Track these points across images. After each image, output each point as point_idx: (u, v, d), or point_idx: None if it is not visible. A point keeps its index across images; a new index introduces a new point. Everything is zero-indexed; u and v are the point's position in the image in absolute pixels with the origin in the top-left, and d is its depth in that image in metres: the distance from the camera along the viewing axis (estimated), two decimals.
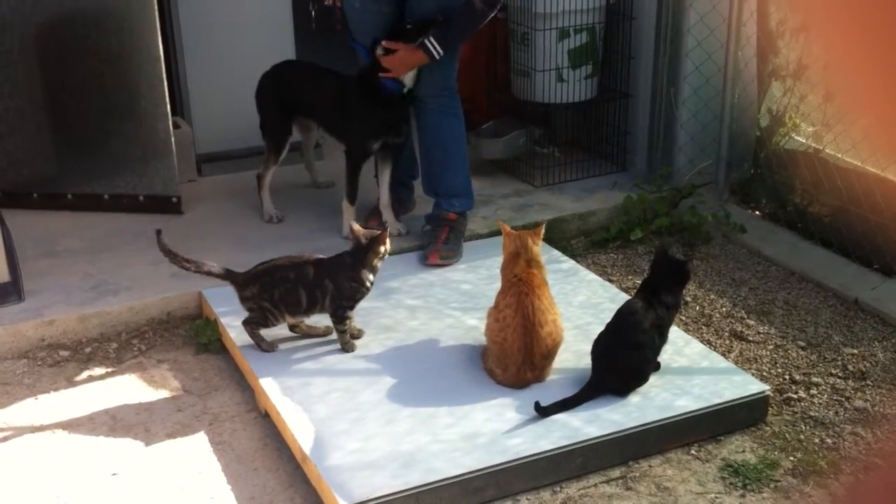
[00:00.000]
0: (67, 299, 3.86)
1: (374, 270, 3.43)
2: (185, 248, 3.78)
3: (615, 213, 4.67)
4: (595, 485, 2.97)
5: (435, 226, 4.28)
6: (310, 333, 3.55)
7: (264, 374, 3.33)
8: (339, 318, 3.44)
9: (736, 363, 3.50)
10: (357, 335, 3.54)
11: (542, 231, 3.42)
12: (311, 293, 3.40)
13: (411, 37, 3.98)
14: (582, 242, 4.56)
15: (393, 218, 4.33)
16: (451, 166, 4.32)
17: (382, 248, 3.41)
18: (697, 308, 3.95)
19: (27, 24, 4.44)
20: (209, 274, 3.49)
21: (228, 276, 3.48)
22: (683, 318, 3.84)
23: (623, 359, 3.18)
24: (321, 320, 3.52)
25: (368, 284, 3.43)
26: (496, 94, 5.34)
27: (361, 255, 3.40)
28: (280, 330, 3.51)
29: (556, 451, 2.94)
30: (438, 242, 4.18)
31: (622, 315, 3.23)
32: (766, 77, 4.64)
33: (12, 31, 4.44)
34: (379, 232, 3.43)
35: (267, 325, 3.47)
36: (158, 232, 3.53)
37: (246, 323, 3.47)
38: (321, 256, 3.51)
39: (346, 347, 3.47)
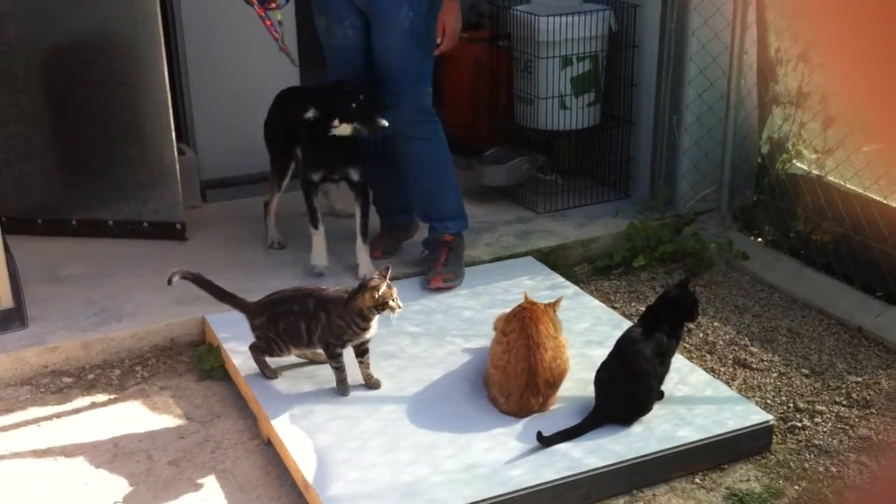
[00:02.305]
0: (71, 326, 3.86)
1: (363, 316, 3.26)
2: None
3: (618, 240, 4.67)
4: None
5: (433, 249, 4.27)
6: (315, 360, 3.52)
7: (267, 401, 3.33)
8: (330, 354, 3.34)
9: (740, 391, 3.50)
10: (374, 385, 3.42)
11: (558, 305, 3.40)
12: (308, 326, 3.34)
13: (361, 112, 3.93)
14: (585, 269, 4.56)
15: (367, 261, 4.20)
16: (439, 191, 4.29)
17: (374, 296, 3.23)
18: (700, 335, 3.95)
19: (34, 51, 4.47)
20: (223, 300, 3.50)
21: (240, 304, 3.48)
22: (687, 345, 3.84)
23: (626, 388, 3.18)
24: None
25: (356, 328, 3.28)
26: (499, 122, 5.36)
27: (351, 298, 3.29)
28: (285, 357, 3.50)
29: (560, 482, 2.93)
30: (438, 265, 4.16)
31: (623, 343, 3.23)
32: (768, 104, 4.66)
33: (19, 57, 4.46)
34: (372, 280, 3.30)
35: (272, 355, 3.45)
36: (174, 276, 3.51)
37: (252, 348, 3.46)
38: (324, 288, 3.47)
39: (339, 388, 3.38)
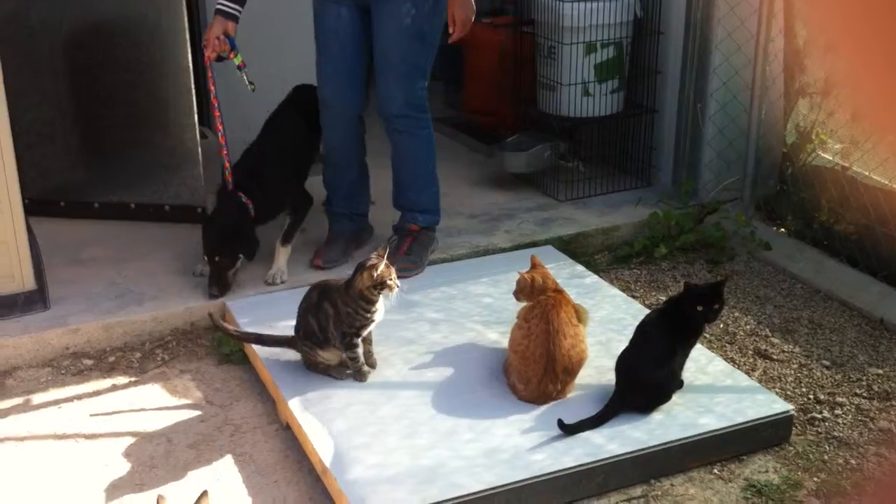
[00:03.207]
0: (92, 308, 3.88)
1: (366, 298, 3.24)
2: None
3: (639, 229, 4.65)
4: (616, 503, 2.95)
5: (399, 237, 4.27)
6: (328, 371, 3.41)
7: (285, 385, 3.33)
8: (347, 345, 3.31)
9: (760, 382, 3.48)
10: (372, 364, 3.41)
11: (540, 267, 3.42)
12: (318, 320, 3.32)
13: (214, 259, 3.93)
14: (605, 258, 4.54)
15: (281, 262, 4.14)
16: (414, 185, 4.27)
17: (373, 274, 3.21)
18: (721, 325, 3.93)
19: (57, 33, 4.48)
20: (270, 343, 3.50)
21: (287, 341, 3.46)
22: (707, 335, 3.81)
23: (646, 376, 3.17)
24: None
25: (363, 313, 3.28)
26: (522, 108, 5.34)
27: (351, 281, 3.28)
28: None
29: (577, 469, 2.93)
30: (399, 254, 4.13)
31: (643, 331, 3.22)
32: (794, 94, 4.62)
33: (42, 40, 4.48)
34: (370, 260, 3.27)
35: (317, 368, 3.39)
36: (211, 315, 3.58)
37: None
38: (328, 280, 3.47)
39: (358, 376, 3.37)
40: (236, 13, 3.93)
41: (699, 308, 3.13)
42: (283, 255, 4.12)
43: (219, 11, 3.92)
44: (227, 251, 3.92)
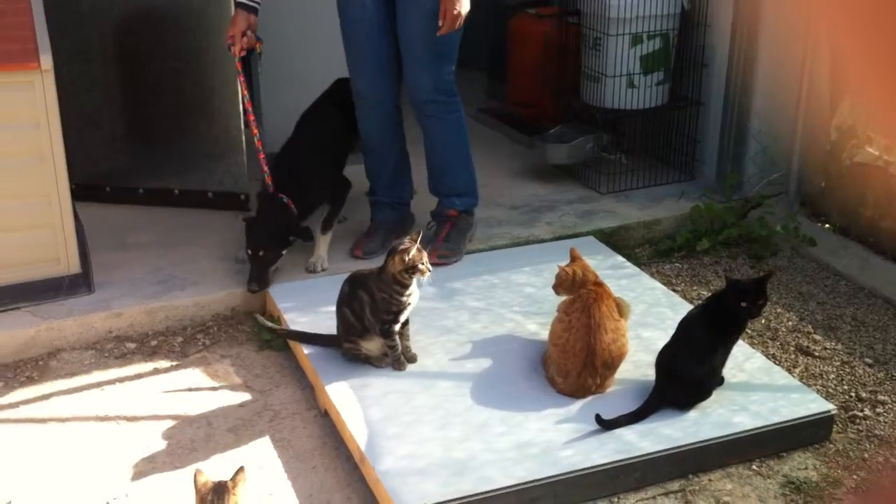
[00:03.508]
0: (136, 292, 3.92)
1: (399, 282, 3.26)
2: None
3: (682, 223, 4.62)
4: (654, 497, 2.94)
5: (438, 223, 4.27)
6: (369, 360, 3.43)
7: (325, 372, 3.35)
8: (384, 332, 3.32)
9: (801, 379, 3.45)
10: (411, 358, 3.42)
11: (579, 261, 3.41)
12: (352, 309, 3.34)
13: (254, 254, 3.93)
14: (647, 251, 4.52)
15: (322, 251, 4.16)
16: (449, 170, 4.27)
17: (405, 259, 3.23)
18: (763, 321, 3.89)
19: (107, 20, 4.53)
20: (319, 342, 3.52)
21: (333, 340, 3.48)
22: (749, 331, 3.78)
23: (686, 372, 3.14)
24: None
25: (398, 297, 3.29)
26: (565, 99, 5.32)
27: (383, 266, 3.31)
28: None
29: (614, 465, 2.91)
30: (438, 241, 4.14)
31: (685, 327, 3.20)
32: (840, 89, 4.56)
33: (92, 27, 4.52)
34: (402, 244, 3.29)
35: (359, 358, 3.40)
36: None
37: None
38: (359, 270, 3.49)
39: (396, 365, 3.38)
40: (256, 5, 3.92)
41: (743, 304, 3.10)
42: (323, 242, 4.14)
43: (239, 5, 3.91)
44: (272, 246, 3.93)
